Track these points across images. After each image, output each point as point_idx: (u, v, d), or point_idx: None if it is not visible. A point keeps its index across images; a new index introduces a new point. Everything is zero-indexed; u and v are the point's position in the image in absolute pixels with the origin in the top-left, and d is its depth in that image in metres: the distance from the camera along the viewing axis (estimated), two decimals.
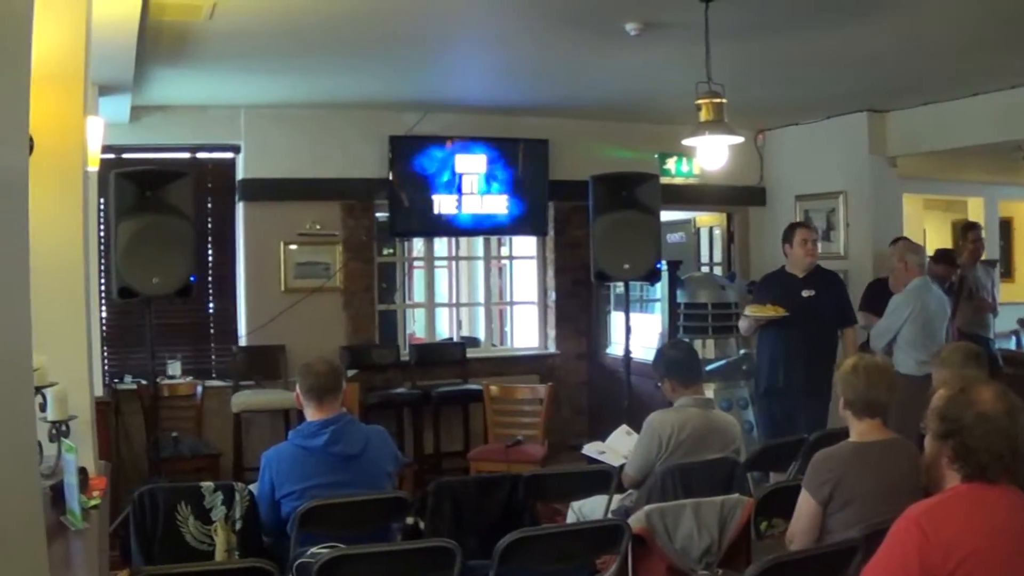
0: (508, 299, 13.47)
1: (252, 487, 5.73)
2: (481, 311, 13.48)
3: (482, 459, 9.74)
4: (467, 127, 11.47)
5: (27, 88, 2.27)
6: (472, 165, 11.41)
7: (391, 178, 11.06)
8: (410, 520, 5.77)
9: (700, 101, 7.27)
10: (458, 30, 8.01)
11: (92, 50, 5.69)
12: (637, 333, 10.15)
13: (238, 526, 5.50)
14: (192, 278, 8.33)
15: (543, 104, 11.10)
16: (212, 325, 11.17)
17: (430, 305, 12.70)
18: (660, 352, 7.28)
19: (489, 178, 11.45)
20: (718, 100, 7.21)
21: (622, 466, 6.65)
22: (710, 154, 8.07)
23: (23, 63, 2.18)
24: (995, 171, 13.57)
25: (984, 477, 3.49)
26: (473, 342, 12.96)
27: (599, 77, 9.60)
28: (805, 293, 8.88)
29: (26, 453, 2.22)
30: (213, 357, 11.11)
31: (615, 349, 11.72)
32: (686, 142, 7.70)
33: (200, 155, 11.00)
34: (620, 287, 10.88)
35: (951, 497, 3.55)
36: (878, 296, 9.80)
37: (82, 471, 4.71)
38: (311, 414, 5.73)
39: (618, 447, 7.24)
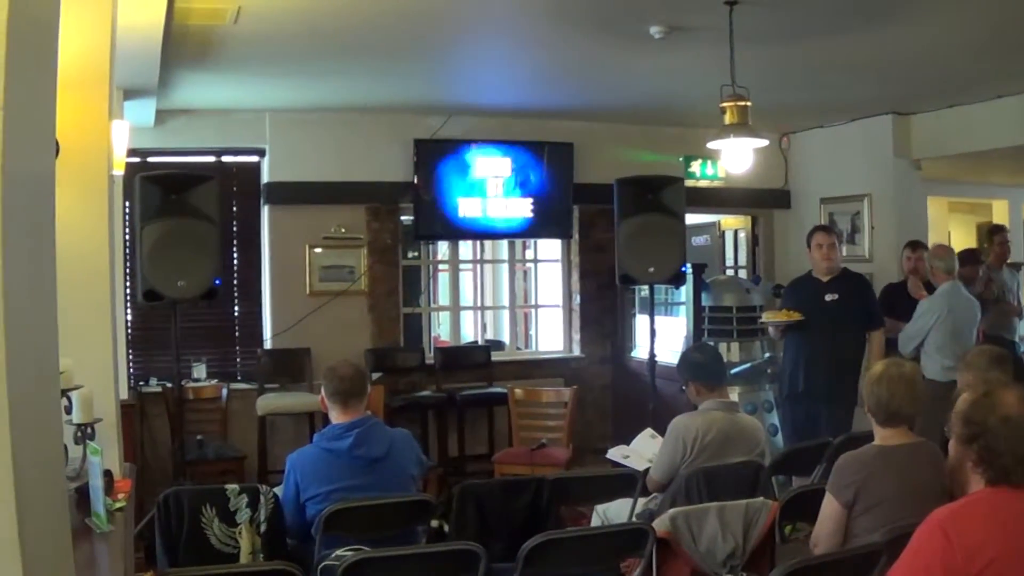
0: (533, 302, 13.46)
1: (277, 490, 5.74)
2: (506, 314, 13.49)
3: (506, 462, 9.72)
4: (492, 130, 11.47)
5: (53, 92, 2.28)
6: (497, 168, 11.40)
7: (416, 181, 11.07)
8: (435, 523, 5.77)
9: (724, 104, 7.26)
10: (483, 34, 8.02)
11: (117, 54, 5.72)
12: (662, 336, 10.12)
13: (263, 528, 5.50)
14: (217, 281, 8.35)
15: (568, 107, 11.10)
16: (237, 328, 11.18)
17: (455, 308, 12.67)
18: (685, 355, 7.27)
19: (514, 181, 11.44)
20: (743, 103, 7.20)
21: (647, 470, 6.66)
22: (734, 157, 8.07)
23: (49, 68, 2.19)
24: (1020, 173, 13.51)
25: (1008, 481, 3.48)
26: (498, 345, 12.98)
27: (623, 80, 9.59)
28: (828, 297, 8.82)
29: (52, 456, 2.23)
30: (238, 360, 11.14)
31: (639, 352, 11.71)
32: (711, 145, 7.69)
33: (225, 159, 11.00)
34: (645, 290, 10.86)
35: (975, 501, 3.54)
36: (895, 300, 9.77)
37: (107, 474, 4.72)
38: (336, 417, 5.73)
39: (643, 451, 7.23)
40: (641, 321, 11.71)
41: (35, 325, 1.99)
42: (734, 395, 8.55)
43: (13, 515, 1.69)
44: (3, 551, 1.73)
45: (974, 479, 3.63)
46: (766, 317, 9.28)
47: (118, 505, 4.80)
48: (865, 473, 4.80)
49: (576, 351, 12.20)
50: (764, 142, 7.82)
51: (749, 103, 7.23)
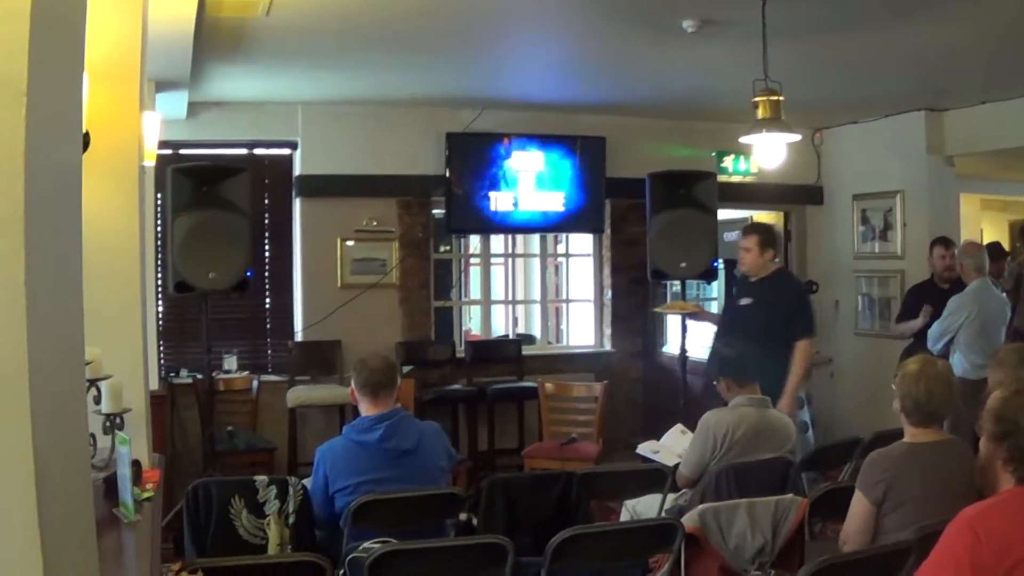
0: (564, 297, 13.45)
1: (306, 481, 5.76)
2: (537, 308, 13.49)
3: (536, 456, 9.73)
4: (524, 124, 11.44)
5: (80, 83, 2.28)
6: (529, 162, 11.38)
7: (448, 175, 11.06)
8: (464, 516, 5.78)
9: (757, 99, 7.22)
10: (515, 27, 8.00)
11: (149, 46, 5.72)
12: (692, 332, 10.11)
13: (291, 520, 5.52)
14: (249, 273, 8.38)
15: (600, 101, 11.07)
16: (268, 320, 11.20)
17: (486, 302, 12.70)
18: (716, 351, 7.27)
19: (546, 175, 11.42)
20: (775, 98, 7.16)
21: (676, 465, 6.65)
22: (767, 152, 8.04)
23: (75, 57, 2.19)
24: None
25: None
26: (529, 339, 12.96)
27: (656, 74, 9.54)
28: (743, 300, 8.49)
29: (76, 445, 2.23)
30: (269, 352, 11.15)
31: (670, 348, 11.71)
32: (743, 140, 7.65)
33: (257, 151, 11.02)
34: (676, 285, 10.87)
35: (1005, 499, 3.52)
36: (922, 299, 9.71)
37: (135, 464, 4.73)
38: (366, 409, 5.75)
39: (673, 446, 7.23)
40: (672, 316, 11.71)
41: (59, 314, 1.99)
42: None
43: (34, 504, 1.69)
44: (24, 540, 1.73)
45: (1004, 477, 3.61)
46: (659, 308, 9.16)
47: (146, 495, 4.80)
48: (894, 471, 4.78)
49: (607, 346, 12.17)
50: (797, 137, 7.77)
51: (782, 98, 7.19)
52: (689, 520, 5.29)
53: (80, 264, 2.39)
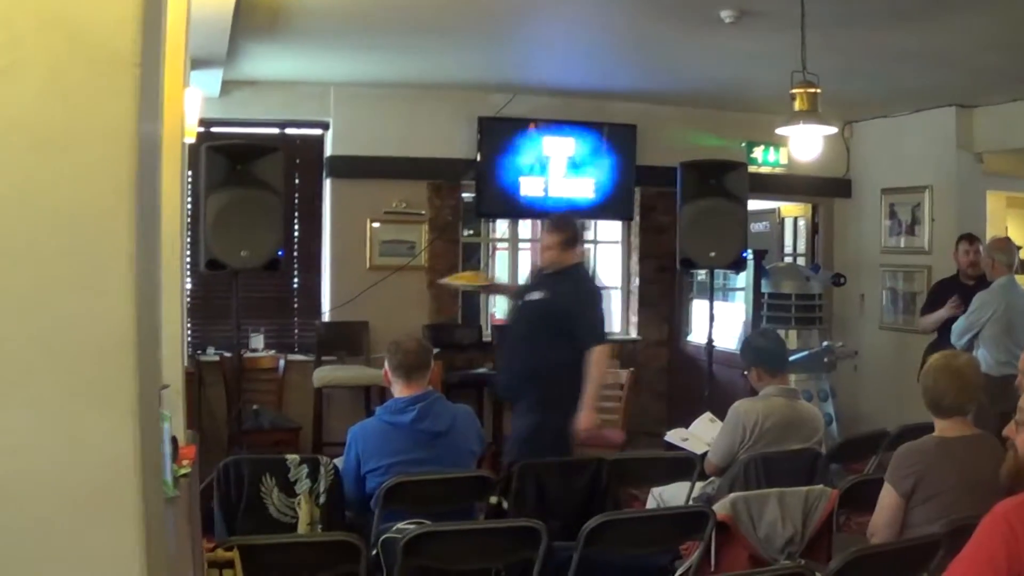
0: None
1: (337, 461, 5.79)
2: None
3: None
4: (556, 110, 11.44)
5: (162, 58, 2.31)
6: (560, 148, 11.38)
7: (478, 159, 11.08)
8: (493, 500, 5.81)
9: (795, 91, 7.22)
10: (550, 12, 8.00)
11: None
12: (718, 321, 10.12)
13: (321, 500, 5.55)
14: (280, 252, 8.41)
15: (632, 89, 11.07)
16: (296, 300, 11.23)
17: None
18: (748, 340, 7.28)
19: (576, 162, 11.43)
20: (813, 90, 7.16)
21: (704, 453, 6.67)
22: (803, 144, 8.04)
23: (161, 33, 2.22)
24: None
25: None
26: None
27: (690, 63, 9.53)
28: (531, 295, 7.72)
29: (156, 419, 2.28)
30: (296, 331, 11.18)
31: (696, 337, 11.72)
32: (779, 131, 7.65)
33: (289, 131, 11.04)
34: (702, 274, 10.88)
35: None
36: (948, 294, 9.69)
37: (173, 440, 4.77)
38: (399, 391, 5.78)
39: (701, 434, 7.26)
40: (698, 305, 11.73)
41: (150, 286, 2.03)
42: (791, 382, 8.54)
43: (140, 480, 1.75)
44: (133, 514, 1.79)
45: None
46: (446, 279, 8.89)
47: (183, 471, 4.83)
48: (924, 464, 4.81)
49: (633, 333, 12.19)
50: (833, 129, 7.77)
51: (819, 90, 7.20)
52: (721, 508, 5.31)
53: (160, 237, 2.44)
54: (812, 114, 7.31)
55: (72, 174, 1.64)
